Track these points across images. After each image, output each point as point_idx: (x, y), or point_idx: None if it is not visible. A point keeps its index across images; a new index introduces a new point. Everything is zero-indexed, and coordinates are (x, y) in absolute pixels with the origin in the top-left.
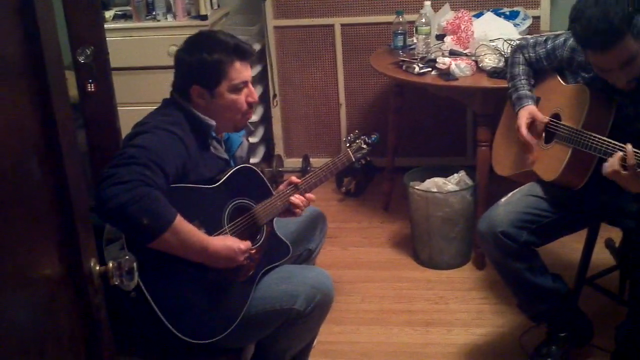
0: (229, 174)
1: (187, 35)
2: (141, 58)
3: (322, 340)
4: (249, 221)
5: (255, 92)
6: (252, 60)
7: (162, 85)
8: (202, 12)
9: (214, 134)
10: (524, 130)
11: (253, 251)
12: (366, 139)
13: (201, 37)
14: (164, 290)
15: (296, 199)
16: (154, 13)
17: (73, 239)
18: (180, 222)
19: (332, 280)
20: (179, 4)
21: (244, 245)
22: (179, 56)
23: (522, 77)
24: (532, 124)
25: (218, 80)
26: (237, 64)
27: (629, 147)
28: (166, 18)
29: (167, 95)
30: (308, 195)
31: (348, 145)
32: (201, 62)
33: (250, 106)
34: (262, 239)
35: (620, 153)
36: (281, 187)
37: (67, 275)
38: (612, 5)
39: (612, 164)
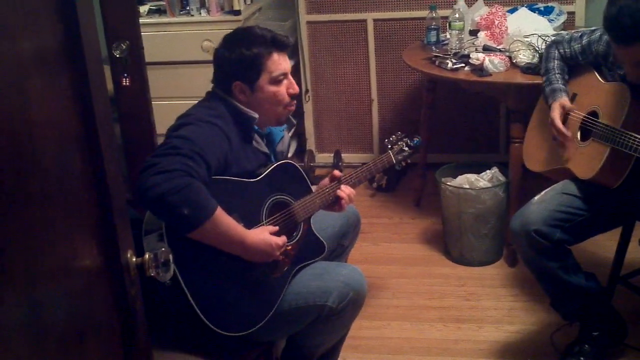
0: (270, 168)
1: (221, 31)
2: (175, 53)
3: (353, 335)
4: (287, 217)
5: (295, 84)
6: (289, 51)
7: (195, 80)
8: (236, 7)
9: (256, 127)
10: (558, 122)
11: (289, 247)
12: (408, 141)
13: (238, 33)
14: (200, 280)
15: (342, 192)
16: (187, 8)
17: (110, 231)
18: (220, 214)
19: (364, 277)
20: (213, 0)
21: (281, 240)
22: (219, 54)
23: (557, 72)
24: (565, 119)
25: (258, 74)
26: (275, 56)
27: None
28: (200, 13)
29: (201, 90)
30: (350, 188)
31: (390, 147)
32: (240, 58)
33: (292, 97)
34: (299, 236)
35: None
36: (324, 181)
37: (104, 267)
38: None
39: None
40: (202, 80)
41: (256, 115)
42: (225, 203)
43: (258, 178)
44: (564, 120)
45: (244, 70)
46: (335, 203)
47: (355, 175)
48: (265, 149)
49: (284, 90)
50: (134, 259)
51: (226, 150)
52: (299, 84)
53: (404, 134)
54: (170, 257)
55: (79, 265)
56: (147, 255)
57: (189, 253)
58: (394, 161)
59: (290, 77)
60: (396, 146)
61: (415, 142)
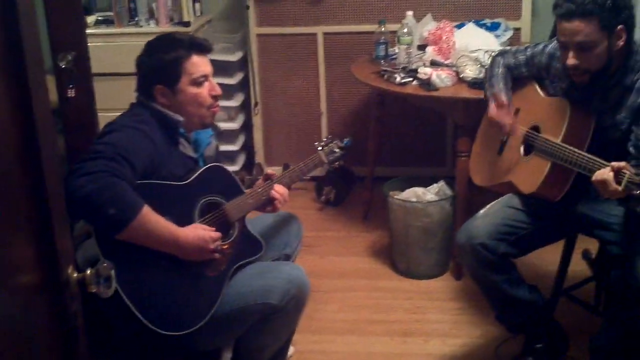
0: (199, 171)
1: None
2: (123, 64)
3: (299, 350)
4: (220, 217)
5: (218, 86)
6: (209, 54)
7: None
8: (185, 19)
9: (182, 131)
10: (492, 109)
11: (225, 246)
12: (339, 142)
13: (159, 39)
14: (135, 281)
15: (275, 192)
16: (136, 19)
17: (51, 246)
18: (148, 212)
19: (305, 274)
20: (162, 10)
21: (215, 234)
22: (140, 60)
23: (500, 78)
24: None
25: (178, 77)
26: (195, 58)
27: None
28: (148, 24)
29: None
30: (284, 188)
31: (320, 148)
32: (160, 62)
33: (215, 99)
34: (235, 235)
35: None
36: (258, 182)
37: (44, 282)
38: None
39: (600, 177)
40: None
41: (181, 118)
42: (156, 206)
43: (188, 181)
44: (505, 140)
45: (164, 73)
46: (269, 203)
47: (288, 175)
48: (193, 154)
49: (205, 92)
50: (75, 275)
51: (152, 152)
52: (248, 96)
53: (335, 136)
54: (112, 272)
55: (17, 281)
56: (88, 271)
57: (123, 253)
58: (325, 160)
59: (211, 79)
60: (327, 147)
61: (345, 142)
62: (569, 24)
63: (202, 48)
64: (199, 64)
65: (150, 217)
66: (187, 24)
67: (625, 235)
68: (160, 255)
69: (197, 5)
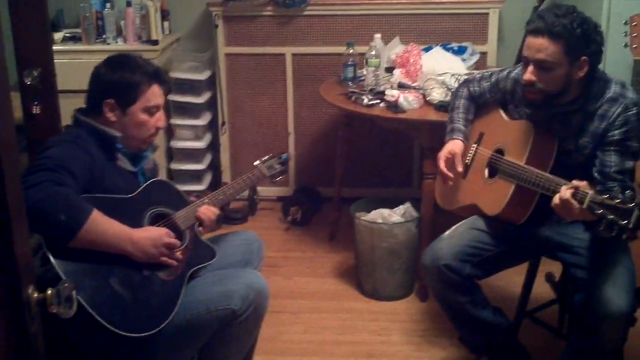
0: (144, 185)
1: None
2: None
3: None
4: (170, 225)
5: (165, 118)
6: (167, 89)
7: None
8: (153, 37)
9: (119, 146)
10: (440, 163)
11: (179, 252)
12: (277, 159)
13: (123, 57)
14: (91, 285)
15: (201, 212)
16: (104, 36)
17: (11, 265)
18: (99, 215)
19: (265, 280)
20: (130, 28)
21: (166, 230)
22: (99, 71)
23: (461, 110)
24: (453, 157)
25: (134, 99)
26: (155, 88)
27: (575, 183)
28: (116, 42)
29: None
30: (212, 208)
31: (260, 163)
32: (122, 79)
33: (157, 131)
34: (187, 242)
35: (570, 184)
36: (193, 198)
37: (3, 302)
38: (576, 17)
39: (562, 197)
40: None
41: (118, 134)
42: None
43: (133, 194)
44: (473, 158)
45: (122, 91)
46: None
47: (224, 190)
48: (132, 168)
49: (153, 121)
50: (36, 295)
51: (90, 164)
52: (215, 115)
53: (271, 155)
54: (74, 292)
55: None
56: (49, 291)
57: (78, 258)
58: (267, 174)
59: (162, 111)
60: (267, 163)
61: (283, 158)
62: (535, 39)
63: (164, 81)
64: (157, 94)
65: (102, 219)
66: (155, 43)
67: (589, 259)
68: (115, 261)
69: (166, 23)
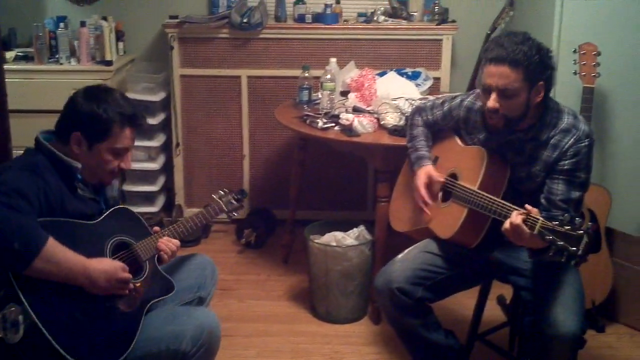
0: (107, 213)
1: (91, 80)
2: (42, 101)
3: None
4: (130, 256)
5: (130, 161)
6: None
7: None
8: (107, 58)
9: (80, 177)
10: (422, 191)
11: (138, 284)
12: (234, 195)
13: (102, 91)
14: (50, 313)
15: (162, 243)
16: (57, 56)
17: None
18: (54, 243)
19: (218, 320)
20: (84, 49)
21: (123, 264)
22: (75, 99)
23: (421, 138)
24: (429, 184)
25: (102, 138)
26: (128, 131)
27: (528, 208)
28: (69, 62)
29: None
30: (174, 240)
31: (218, 198)
32: (94, 115)
33: (120, 170)
34: (146, 274)
35: (522, 210)
36: (156, 228)
37: None
38: (533, 44)
39: (513, 218)
40: None
41: (79, 165)
42: (65, 244)
43: (96, 221)
44: (428, 182)
45: (91, 127)
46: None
47: (182, 224)
48: (93, 196)
49: (117, 162)
50: None
51: (45, 190)
52: (169, 137)
53: (228, 190)
54: (20, 317)
55: None
56: None
57: (35, 290)
58: (226, 209)
59: (129, 153)
60: (225, 198)
61: (241, 194)
62: (496, 68)
63: (139, 125)
64: (128, 137)
65: (57, 248)
66: (109, 63)
67: (538, 282)
68: (72, 291)
69: (121, 44)
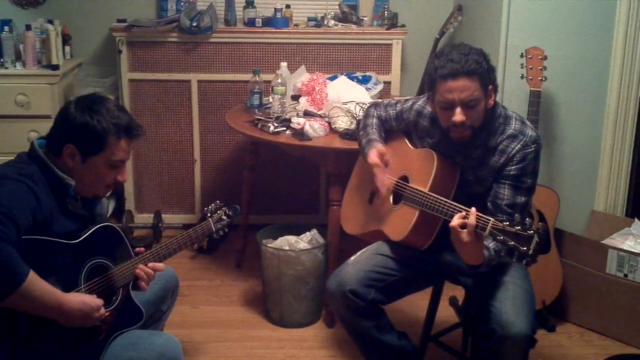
0: (90, 231)
1: (37, 85)
2: None
3: None
4: (105, 283)
5: (126, 173)
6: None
7: (8, 135)
8: (54, 62)
9: (72, 193)
10: (376, 161)
11: (107, 314)
12: (227, 210)
13: (96, 101)
14: (10, 346)
15: (140, 270)
16: (1, 60)
17: None
18: (34, 280)
19: (180, 346)
20: (29, 52)
21: (99, 302)
22: (67, 110)
23: (374, 127)
24: (381, 157)
25: (97, 151)
26: (123, 143)
27: (473, 210)
28: (15, 66)
29: (15, 145)
30: (153, 265)
31: (210, 215)
32: (87, 126)
33: (116, 182)
34: (117, 302)
35: (462, 213)
36: (141, 249)
37: None
38: (477, 51)
39: (452, 223)
40: (16, 135)
41: (73, 183)
42: (42, 265)
43: (77, 240)
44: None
45: (85, 139)
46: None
47: (169, 245)
48: (84, 212)
49: (113, 175)
50: None
51: (34, 209)
52: None
53: (222, 203)
54: None
55: None
56: None
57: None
58: (214, 229)
59: (125, 165)
60: (215, 215)
61: (233, 211)
62: (454, 82)
63: (135, 135)
64: (124, 150)
65: (36, 285)
66: (55, 67)
67: (488, 283)
68: (37, 319)
69: (67, 48)
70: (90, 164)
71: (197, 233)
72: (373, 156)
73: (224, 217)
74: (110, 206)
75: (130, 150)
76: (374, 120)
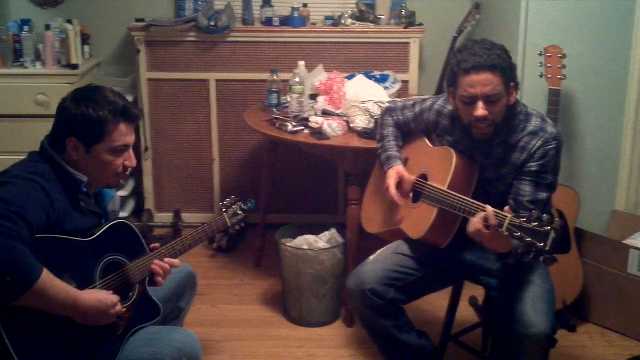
0: (104, 228)
1: (57, 84)
2: (6, 106)
3: None
4: (121, 279)
5: (134, 157)
6: (137, 124)
7: (28, 135)
8: (73, 61)
9: (84, 189)
10: (392, 190)
11: (123, 310)
12: (242, 204)
13: (89, 90)
14: (27, 342)
15: (156, 265)
16: (21, 59)
17: None
18: (47, 277)
19: (199, 342)
20: (49, 52)
21: (115, 298)
22: (63, 105)
23: (391, 138)
24: (399, 183)
25: (98, 139)
26: (122, 127)
27: (488, 208)
28: (34, 65)
29: (34, 144)
30: (169, 260)
31: (225, 210)
32: (84, 116)
33: (126, 169)
34: (134, 298)
35: (482, 213)
36: (155, 245)
37: None
38: (499, 47)
39: (474, 223)
40: (35, 135)
41: (85, 179)
42: (56, 263)
43: (91, 237)
44: (398, 182)
45: (84, 129)
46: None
47: (185, 240)
48: (96, 208)
49: (120, 161)
50: None
51: (47, 207)
52: (138, 140)
53: (238, 198)
54: None
55: None
56: None
57: (14, 315)
58: (229, 224)
59: (130, 150)
60: (230, 209)
61: (249, 205)
62: (477, 76)
63: (133, 117)
64: (124, 133)
65: (49, 283)
66: (75, 67)
67: (509, 283)
68: (54, 317)
69: (86, 47)
70: (94, 153)
71: (211, 228)
72: (391, 179)
73: (239, 212)
74: (129, 204)
75: (132, 134)
76: (391, 130)
